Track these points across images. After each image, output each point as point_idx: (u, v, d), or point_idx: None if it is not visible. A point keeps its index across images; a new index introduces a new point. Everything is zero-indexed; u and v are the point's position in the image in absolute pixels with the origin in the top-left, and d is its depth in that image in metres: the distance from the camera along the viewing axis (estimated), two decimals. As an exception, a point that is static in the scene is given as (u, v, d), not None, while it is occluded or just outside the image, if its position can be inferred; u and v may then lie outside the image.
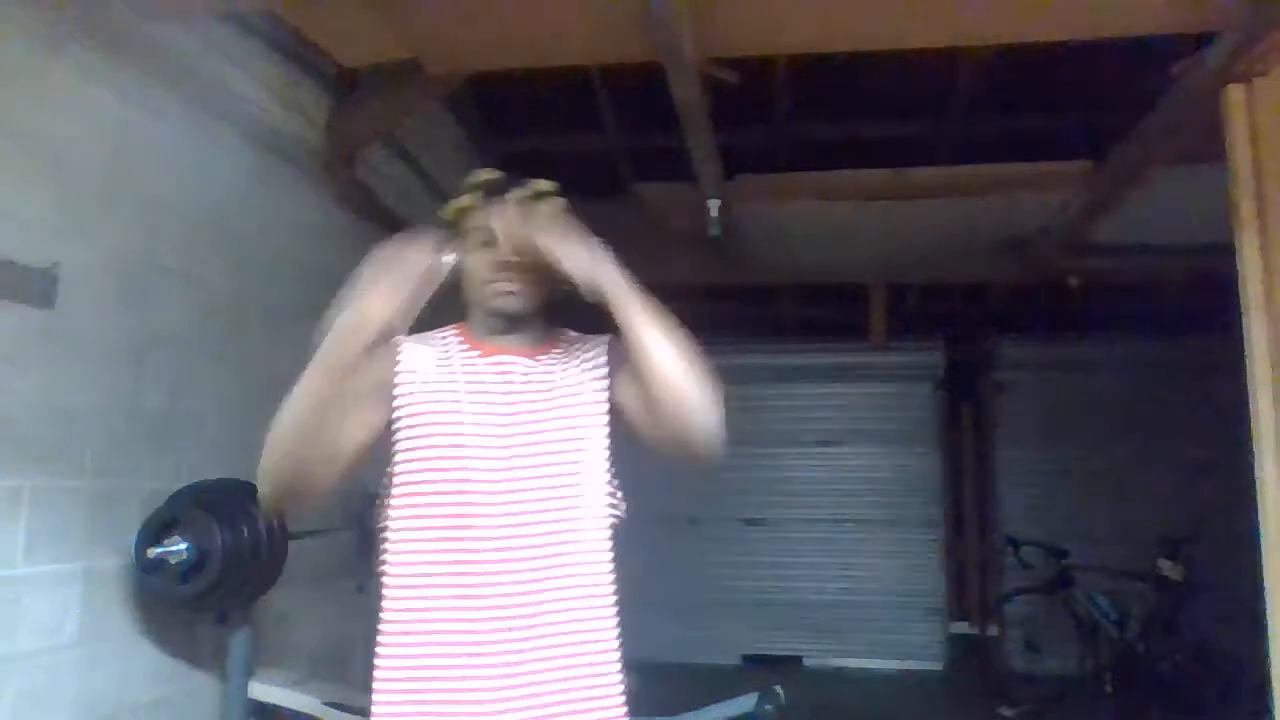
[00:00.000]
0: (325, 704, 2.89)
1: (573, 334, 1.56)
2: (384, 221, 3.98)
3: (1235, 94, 2.72)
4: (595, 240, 1.38)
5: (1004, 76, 3.97)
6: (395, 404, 1.43)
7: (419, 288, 1.36)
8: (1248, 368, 2.61)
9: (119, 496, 2.65)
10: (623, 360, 1.42)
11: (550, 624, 1.36)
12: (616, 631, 1.42)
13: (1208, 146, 2.94)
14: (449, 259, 1.44)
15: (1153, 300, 6.27)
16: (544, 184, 1.51)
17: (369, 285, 1.34)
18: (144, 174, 2.76)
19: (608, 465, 1.45)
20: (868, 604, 6.78)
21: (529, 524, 1.37)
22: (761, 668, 6.41)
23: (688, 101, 3.21)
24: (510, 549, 1.36)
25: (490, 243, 1.44)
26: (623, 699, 1.40)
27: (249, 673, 2.93)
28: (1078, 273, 5.45)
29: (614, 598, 1.42)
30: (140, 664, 2.74)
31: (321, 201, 3.70)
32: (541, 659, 1.34)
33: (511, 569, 1.35)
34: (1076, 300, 6.06)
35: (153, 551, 2.53)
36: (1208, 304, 3.80)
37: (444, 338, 1.51)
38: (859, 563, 6.83)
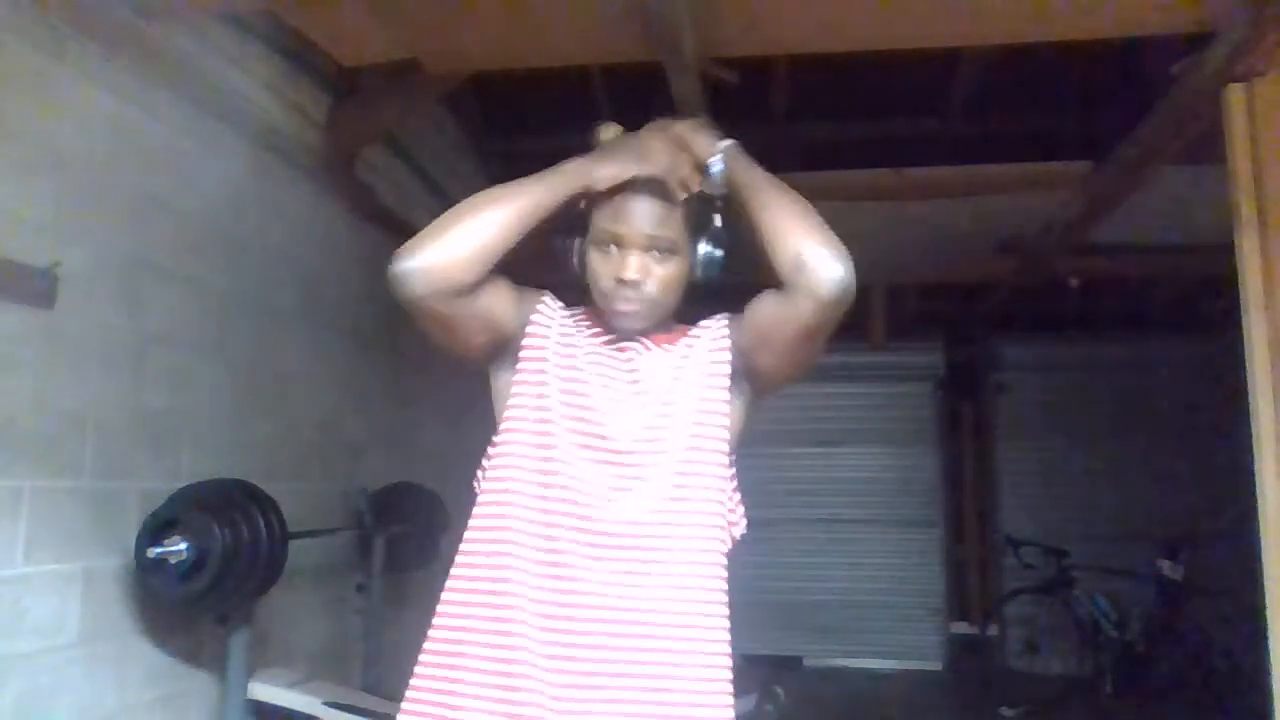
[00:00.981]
0: (325, 704, 2.89)
1: (697, 326, 1.48)
2: (384, 221, 3.99)
3: (1235, 94, 2.72)
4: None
5: (1004, 76, 3.97)
6: (521, 354, 1.37)
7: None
8: (1248, 368, 2.61)
9: (119, 496, 2.65)
10: (741, 323, 1.39)
11: (643, 626, 1.27)
12: (721, 648, 1.35)
13: (1208, 146, 2.94)
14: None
15: (1153, 300, 6.27)
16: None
17: (615, 153, 1.34)
18: (144, 174, 2.77)
19: (726, 465, 1.37)
20: (868, 604, 6.78)
21: (639, 508, 1.30)
22: (761, 668, 6.41)
23: (687, 101, 3.21)
24: (612, 533, 1.29)
25: (616, 243, 1.34)
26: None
27: (249, 673, 2.93)
28: (1078, 273, 5.45)
29: (722, 611, 1.36)
30: (140, 664, 2.74)
31: (321, 201, 3.71)
32: (628, 668, 1.25)
33: (609, 553, 1.28)
34: (1076, 300, 6.06)
35: (153, 551, 2.53)
36: (1208, 304, 3.80)
37: (574, 315, 1.45)
38: (859, 563, 6.83)
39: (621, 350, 1.39)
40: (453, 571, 1.32)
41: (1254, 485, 2.57)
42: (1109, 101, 3.89)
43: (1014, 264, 5.28)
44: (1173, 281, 5.90)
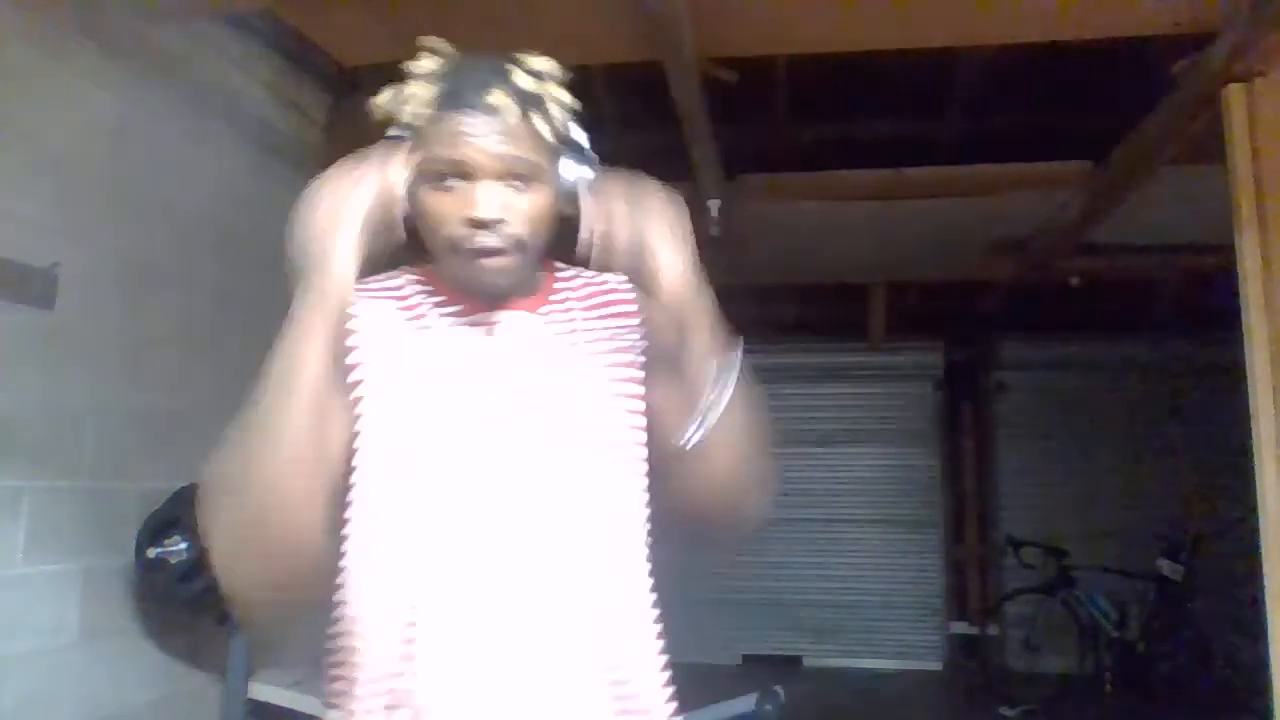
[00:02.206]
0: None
1: (573, 271, 1.14)
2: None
3: (1235, 94, 2.72)
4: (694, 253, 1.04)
5: (1004, 76, 3.97)
6: (352, 386, 1.02)
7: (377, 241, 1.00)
8: (1248, 368, 2.62)
9: (119, 496, 2.65)
10: (659, 338, 1.08)
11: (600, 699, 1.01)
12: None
13: (1208, 146, 2.94)
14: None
15: (1153, 300, 6.27)
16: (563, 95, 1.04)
17: (298, 325, 0.99)
18: (144, 174, 2.76)
19: (643, 459, 1.07)
20: (868, 604, 6.78)
21: (555, 539, 1.01)
22: (761, 668, 6.40)
23: (687, 101, 3.21)
24: (552, 604, 1.00)
25: (458, 174, 0.99)
26: None
27: (249, 673, 2.93)
28: (1078, 273, 5.46)
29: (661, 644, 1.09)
30: (140, 664, 2.74)
31: (321, 201, 3.70)
32: None
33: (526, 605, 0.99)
34: (1076, 300, 6.06)
35: (153, 551, 2.53)
36: (1208, 304, 3.80)
37: (403, 287, 1.09)
38: (859, 563, 6.83)
39: (488, 331, 1.06)
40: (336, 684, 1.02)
41: (1254, 485, 2.57)
42: (1109, 101, 3.89)
43: (1014, 264, 5.28)
44: (1173, 281, 5.89)
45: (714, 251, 4.86)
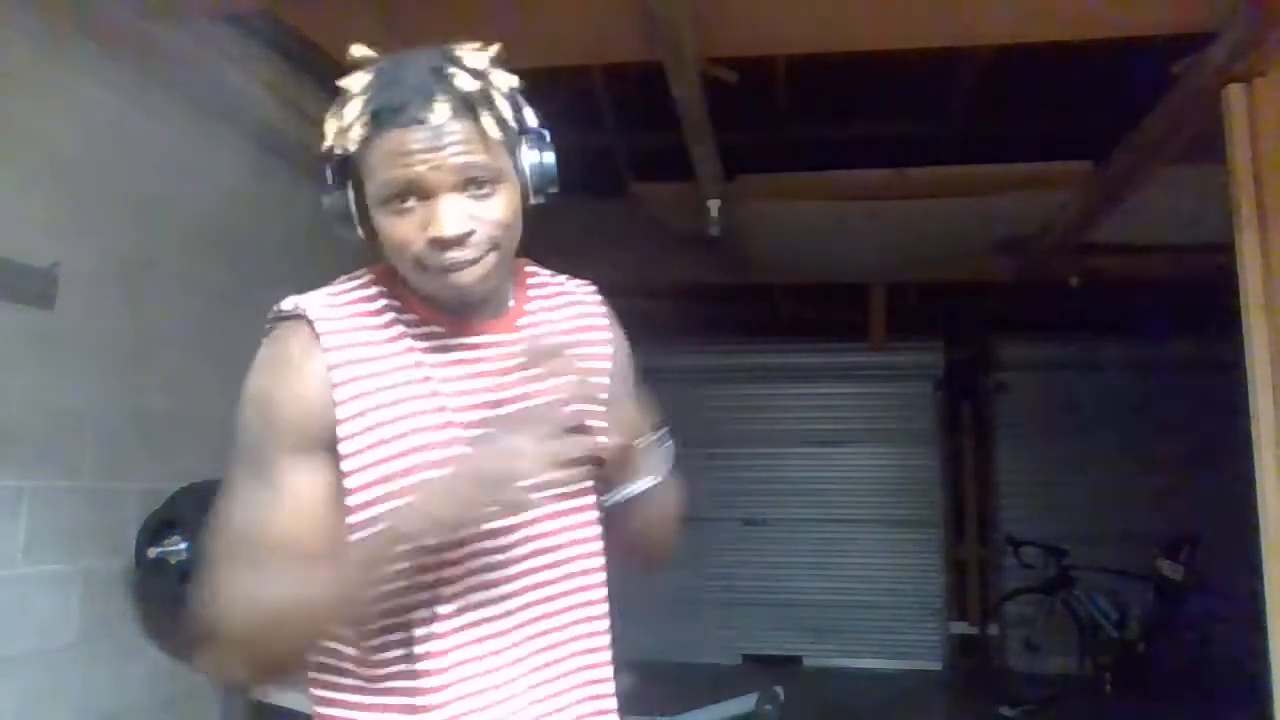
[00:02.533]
0: (325, 704, 2.89)
1: (542, 276, 1.15)
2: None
3: (1235, 94, 2.72)
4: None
5: (1004, 76, 3.97)
6: (341, 432, 0.98)
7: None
8: (1248, 368, 2.62)
9: (119, 496, 2.65)
10: (622, 384, 1.12)
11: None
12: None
13: (1208, 146, 2.94)
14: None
15: (1153, 300, 6.27)
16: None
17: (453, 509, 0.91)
18: (144, 174, 2.77)
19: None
20: (868, 604, 6.77)
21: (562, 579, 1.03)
22: (761, 668, 6.40)
23: (688, 101, 3.21)
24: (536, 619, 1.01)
25: (414, 194, 0.94)
26: None
27: (249, 673, 2.93)
28: (1078, 273, 5.46)
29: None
30: (140, 664, 2.74)
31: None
32: None
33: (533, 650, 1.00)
34: (1076, 300, 6.06)
35: (153, 551, 2.54)
36: (1208, 304, 3.80)
37: (374, 299, 1.04)
38: (859, 563, 6.83)
39: (470, 357, 1.02)
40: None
41: (1254, 485, 2.57)
42: (1109, 101, 3.89)
43: (1014, 264, 5.28)
44: (1173, 281, 5.90)
45: (714, 251, 4.90)
